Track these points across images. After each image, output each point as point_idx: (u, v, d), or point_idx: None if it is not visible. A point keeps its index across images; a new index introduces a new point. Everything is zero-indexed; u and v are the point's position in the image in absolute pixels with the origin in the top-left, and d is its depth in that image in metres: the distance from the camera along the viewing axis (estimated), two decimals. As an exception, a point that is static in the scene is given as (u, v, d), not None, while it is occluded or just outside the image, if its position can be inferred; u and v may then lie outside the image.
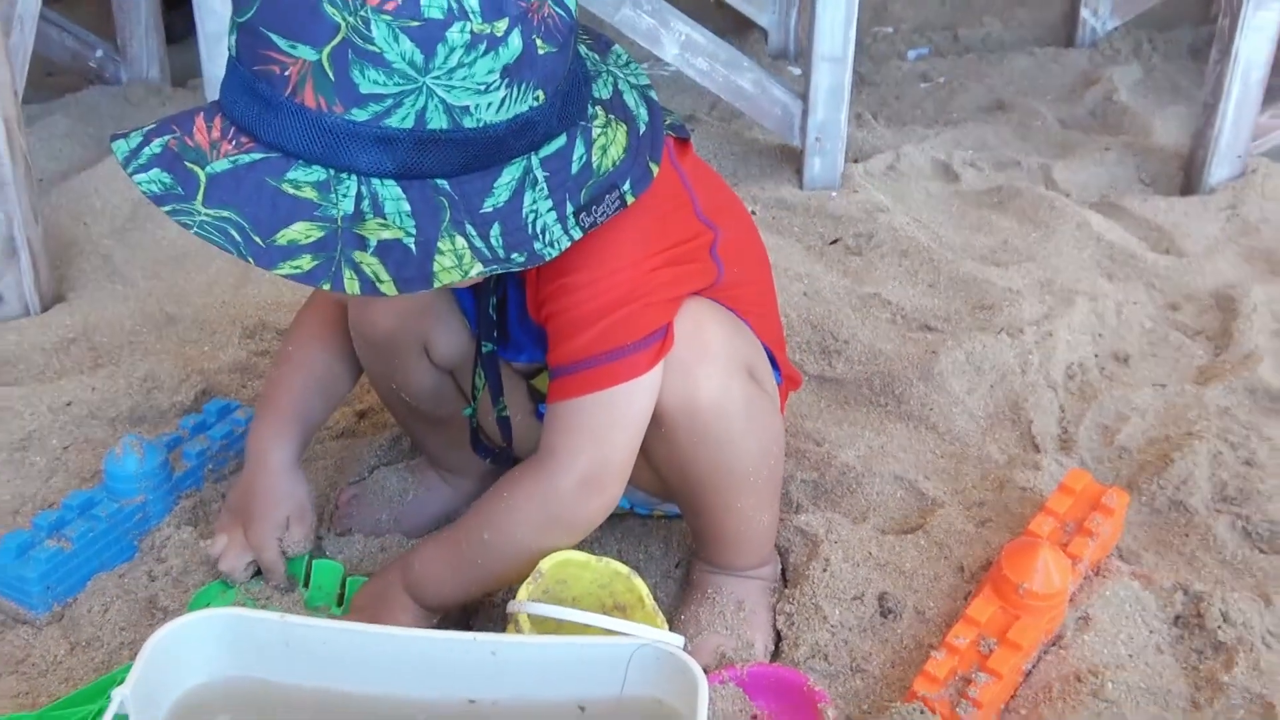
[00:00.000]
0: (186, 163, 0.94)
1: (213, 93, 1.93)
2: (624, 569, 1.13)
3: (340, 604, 1.22)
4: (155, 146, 0.95)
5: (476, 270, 0.94)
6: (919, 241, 1.86)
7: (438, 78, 0.90)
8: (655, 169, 1.04)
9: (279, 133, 0.92)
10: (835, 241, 1.88)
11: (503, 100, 0.93)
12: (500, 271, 0.96)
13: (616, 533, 1.33)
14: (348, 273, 0.92)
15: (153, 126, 0.97)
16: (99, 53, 2.29)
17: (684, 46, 1.93)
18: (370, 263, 0.92)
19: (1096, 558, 1.27)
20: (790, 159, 2.06)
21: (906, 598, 1.25)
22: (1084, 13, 2.56)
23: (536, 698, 1.03)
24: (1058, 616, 1.19)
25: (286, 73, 0.90)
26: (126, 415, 1.50)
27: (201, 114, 0.96)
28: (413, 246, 0.93)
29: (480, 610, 1.24)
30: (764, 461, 1.17)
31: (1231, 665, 1.17)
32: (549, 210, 0.97)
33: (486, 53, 0.91)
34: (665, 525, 1.35)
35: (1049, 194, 2.00)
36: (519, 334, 1.17)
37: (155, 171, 0.94)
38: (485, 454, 1.31)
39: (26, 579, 1.21)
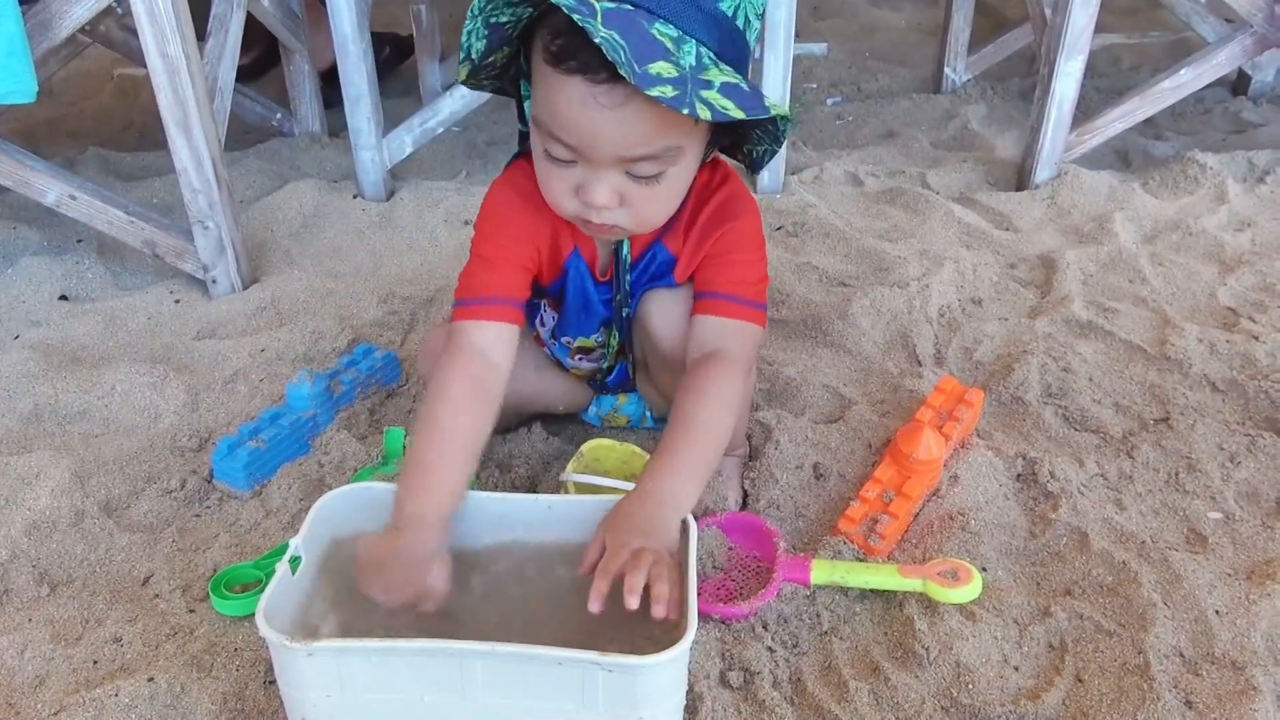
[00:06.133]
0: None
1: (358, 141, 1.89)
2: (639, 449, 1.11)
3: None
4: None
5: (780, 111, 0.89)
6: (836, 226, 1.81)
7: None
8: None
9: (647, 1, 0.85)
10: (780, 228, 1.83)
11: (755, 29, 0.91)
12: (777, 115, 0.89)
13: (633, 437, 1.29)
14: (700, 105, 0.83)
15: None
16: (279, 115, 2.24)
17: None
18: (717, 99, 0.84)
19: (962, 436, 1.24)
20: (750, 173, 2.00)
21: (832, 466, 1.21)
22: (947, 70, 2.50)
23: (578, 538, 0.98)
24: (936, 476, 1.16)
25: None
26: (301, 356, 1.46)
27: None
28: (747, 89, 0.86)
29: (543, 481, 1.20)
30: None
31: (1057, 507, 1.13)
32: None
33: None
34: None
35: (925, 192, 1.94)
36: (638, 291, 1.10)
37: None
38: (599, 390, 1.26)
39: (235, 468, 1.19)
